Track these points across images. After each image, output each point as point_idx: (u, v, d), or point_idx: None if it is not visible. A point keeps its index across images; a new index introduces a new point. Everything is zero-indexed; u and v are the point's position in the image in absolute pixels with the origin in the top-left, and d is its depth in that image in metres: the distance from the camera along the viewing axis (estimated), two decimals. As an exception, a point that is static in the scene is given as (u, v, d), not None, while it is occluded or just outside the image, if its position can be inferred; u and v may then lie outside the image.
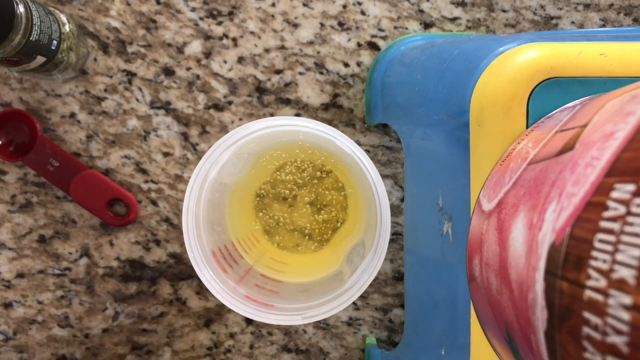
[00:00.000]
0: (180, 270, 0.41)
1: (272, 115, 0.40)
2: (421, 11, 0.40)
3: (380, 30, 0.40)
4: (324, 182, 0.38)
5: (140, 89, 0.40)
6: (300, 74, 0.40)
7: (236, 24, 0.40)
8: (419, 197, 0.34)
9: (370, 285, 0.37)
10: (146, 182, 0.40)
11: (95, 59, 0.39)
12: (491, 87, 0.23)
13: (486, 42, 0.27)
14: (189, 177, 0.35)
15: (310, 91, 0.40)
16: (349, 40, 0.40)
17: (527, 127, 0.23)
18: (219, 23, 0.40)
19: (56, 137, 0.40)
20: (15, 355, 0.41)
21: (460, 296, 0.27)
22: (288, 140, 0.36)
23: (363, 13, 0.40)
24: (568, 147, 0.17)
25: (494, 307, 0.19)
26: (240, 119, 0.40)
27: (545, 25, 0.41)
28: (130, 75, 0.40)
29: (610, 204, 0.13)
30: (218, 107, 0.40)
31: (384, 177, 0.41)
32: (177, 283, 0.41)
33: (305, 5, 0.40)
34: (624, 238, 0.12)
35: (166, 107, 0.40)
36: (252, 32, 0.40)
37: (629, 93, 0.16)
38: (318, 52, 0.40)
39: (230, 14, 0.40)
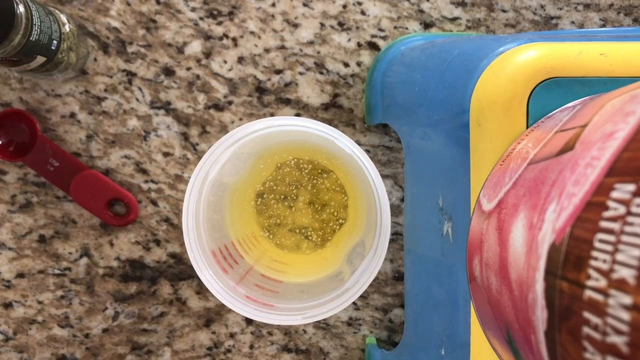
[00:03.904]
0: (180, 270, 0.41)
1: (272, 115, 0.40)
2: (421, 11, 0.40)
3: (380, 30, 0.40)
4: (324, 182, 0.38)
5: (140, 89, 0.40)
6: (300, 74, 0.40)
7: (236, 24, 0.40)
8: (419, 197, 0.34)
9: (370, 285, 0.37)
10: (146, 182, 0.40)
11: (95, 59, 0.39)
12: (491, 87, 0.23)
13: (486, 42, 0.27)
14: (189, 177, 0.35)
15: (310, 91, 0.40)
16: (349, 40, 0.40)
17: (527, 127, 0.23)
18: (219, 23, 0.40)
19: (56, 137, 0.40)
20: (15, 355, 0.41)
21: (460, 296, 0.27)
22: (288, 140, 0.36)
23: (363, 13, 0.40)
24: (568, 147, 0.17)
25: (494, 307, 0.19)
26: (240, 119, 0.40)
27: (545, 25, 0.41)
28: (130, 75, 0.40)
29: (610, 204, 0.13)
30: (218, 107, 0.40)
31: (384, 177, 0.41)
32: (177, 283, 0.41)
33: (305, 5, 0.40)
34: (624, 238, 0.12)
35: (166, 107, 0.40)
36: (252, 32, 0.40)
37: (629, 93, 0.16)
38: (318, 52, 0.40)
39: (230, 14, 0.40)
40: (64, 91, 0.39)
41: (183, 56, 0.40)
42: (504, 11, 0.40)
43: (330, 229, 0.38)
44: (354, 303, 0.41)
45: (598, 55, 0.23)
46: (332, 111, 0.41)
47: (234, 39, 0.40)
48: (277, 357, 0.42)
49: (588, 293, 0.13)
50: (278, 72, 0.40)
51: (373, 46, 0.40)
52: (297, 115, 0.41)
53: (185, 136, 0.40)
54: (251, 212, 0.38)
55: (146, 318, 0.41)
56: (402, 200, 0.41)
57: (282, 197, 0.38)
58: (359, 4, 0.40)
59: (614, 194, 0.13)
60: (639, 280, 0.12)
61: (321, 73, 0.40)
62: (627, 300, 0.12)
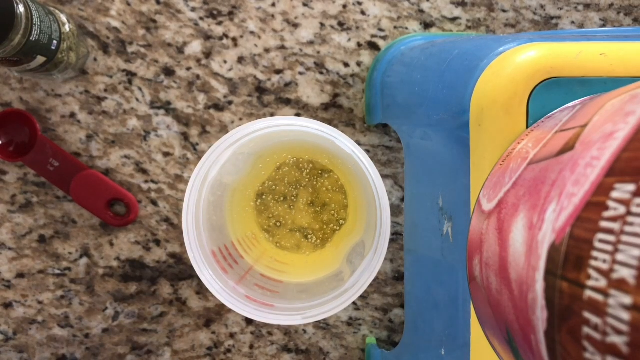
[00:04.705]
0: (180, 270, 0.41)
1: (272, 115, 0.40)
2: (421, 11, 0.40)
3: (380, 30, 0.40)
4: (324, 182, 0.38)
5: (140, 89, 0.40)
6: (300, 74, 0.40)
7: (236, 24, 0.40)
8: (419, 197, 0.34)
9: (370, 285, 0.37)
10: (146, 182, 0.40)
11: (95, 59, 0.39)
12: (491, 87, 0.23)
13: (486, 42, 0.27)
14: (189, 177, 0.35)
15: (310, 91, 0.40)
16: (349, 40, 0.40)
17: (527, 127, 0.23)
18: (219, 23, 0.40)
19: (56, 137, 0.40)
20: (15, 355, 0.41)
21: (460, 296, 0.27)
22: (288, 140, 0.36)
23: (363, 13, 0.40)
24: (568, 147, 0.17)
25: (494, 307, 0.19)
26: (240, 119, 0.40)
27: (545, 25, 0.41)
28: (130, 75, 0.40)
29: (611, 204, 0.13)
30: (218, 107, 0.40)
31: (384, 177, 0.41)
32: (177, 283, 0.41)
33: (305, 5, 0.40)
34: (624, 238, 0.12)
35: (166, 107, 0.40)
36: (252, 32, 0.40)
37: (629, 93, 0.16)
38: (318, 52, 0.40)
39: (230, 14, 0.40)
40: (64, 91, 0.39)
41: (183, 56, 0.40)
42: (504, 11, 0.40)
43: (331, 229, 0.38)
44: (354, 303, 0.41)
45: (598, 55, 0.23)
46: (332, 111, 0.40)
47: (234, 39, 0.40)
48: (277, 357, 0.42)
49: (588, 293, 0.13)
50: (278, 72, 0.40)
51: (373, 46, 0.40)
52: (297, 115, 0.41)
53: (185, 136, 0.40)
54: (251, 213, 0.38)
55: (146, 318, 0.41)
56: (402, 200, 0.41)
57: (282, 197, 0.38)
58: (359, 4, 0.40)
59: (614, 194, 0.13)
60: (639, 280, 0.12)
61: (321, 73, 0.40)
62: (627, 300, 0.12)
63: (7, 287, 0.40)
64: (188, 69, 0.40)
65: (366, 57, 0.40)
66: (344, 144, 0.29)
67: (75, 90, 0.40)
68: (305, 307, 0.30)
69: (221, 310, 0.41)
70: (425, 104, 0.30)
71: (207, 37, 0.40)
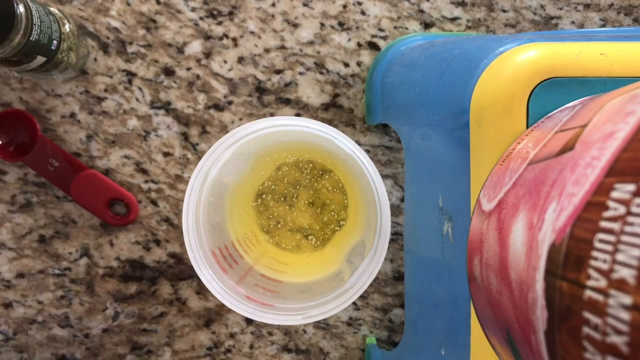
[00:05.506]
0: (180, 270, 0.41)
1: (272, 115, 0.40)
2: (421, 11, 0.40)
3: (380, 30, 0.40)
4: (324, 182, 0.38)
5: (140, 89, 0.40)
6: (301, 74, 0.40)
7: (236, 24, 0.40)
8: (419, 197, 0.34)
9: (370, 285, 0.37)
10: (146, 182, 0.40)
11: (95, 59, 0.39)
12: (491, 87, 0.23)
13: (486, 42, 0.27)
14: (189, 177, 0.35)
15: (310, 91, 0.40)
16: (349, 40, 0.40)
17: (527, 127, 0.23)
18: (219, 23, 0.40)
19: (56, 137, 0.40)
20: (15, 355, 0.41)
21: (460, 296, 0.27)
22: (288, 140, 0.36)
23: (363, 13, 0.40)
24: (568, 147, 0.17)
25: (494, 307, 0.19)
26: (240, 119, 0.40)
27: (545, 25, 0.41)
28: (131, 75, 0.40)
29: (610, 204, 0.13)
30: (218, 107, 0.40)
31: (384, 177, 0.41)
32: (177, 283, 0.41)
33: (305, 5, 0.40)
34: (624, 238, 0.12)
35: (166, 107, 0.40)
36: (252, 32, 0.40)
37: (629, 93, 0.16)
38: (318, 52, 0.40)
39: (230, 14, 0.40)
40: (64, 91, 0.39)
41: (183, 56, 0.40)
42: (504, 11, 0.40)
43: (331, 230, 0.38)
44: (354, 303, 0.41)
45: (598, 55, 0.23)
46: (332, 111, 0.41)
47: (234, 39, 0.40)
48: (277, 357, 0.42)
49: (588, 293, 0.13)
50: (278, 72, 0.40)
51: (373, 46, 0.40)
52: (297, 115, 0.41)
53: (185, 136, 0.40)
54: (251, 213, 0.38)
55: (146, 318, 0.41)
56: (402, 200, 0.41)
57: (282, 197, 0.38)
58: (359, 4, 0.40)
59: (614, 194, 0.13)
60: (639, 280, 0.12)
61: (321, 73, 0.40)
62: (627, 300, 0.12)
63: (7, 287, 0.40)
64: (188, 69, 0.40)
65: (366, 57, 0.40)
66: (344, 144, 0.29)
67: (75, 90, 0.40)
68: (305, 307, 0.30)
69: (221, 310, 0.41)
70: (425, 104, 0.30)
71: (207, 37, 0.40)
